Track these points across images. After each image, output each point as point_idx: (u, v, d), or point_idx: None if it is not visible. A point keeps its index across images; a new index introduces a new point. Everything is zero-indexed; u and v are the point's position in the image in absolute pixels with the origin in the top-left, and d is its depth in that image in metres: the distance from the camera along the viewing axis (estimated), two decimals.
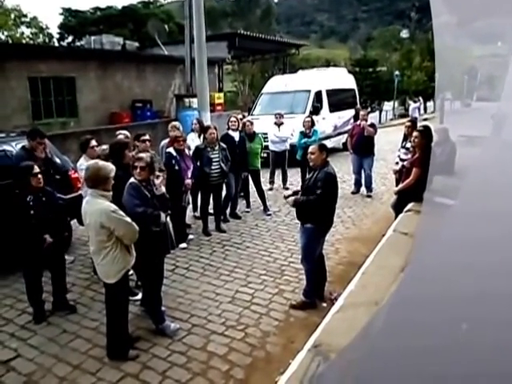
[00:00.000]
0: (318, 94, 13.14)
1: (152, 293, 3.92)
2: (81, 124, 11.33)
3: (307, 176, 4.74)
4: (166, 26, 18.62)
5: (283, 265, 5.47)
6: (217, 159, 6.36)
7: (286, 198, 4.44)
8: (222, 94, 16.89)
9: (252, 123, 7.76)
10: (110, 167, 3.31)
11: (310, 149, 4.42)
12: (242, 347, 3.73)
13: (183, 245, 6.03)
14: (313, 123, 8.97)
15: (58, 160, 5.57)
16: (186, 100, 13.53)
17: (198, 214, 7.30)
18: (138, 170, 3.79)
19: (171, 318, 4.17)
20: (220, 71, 18.03)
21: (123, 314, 3.47)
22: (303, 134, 8.87)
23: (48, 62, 10.37)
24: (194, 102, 13.22)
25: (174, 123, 6.72)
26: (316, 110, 12.67)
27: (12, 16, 29.01)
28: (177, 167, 5.86)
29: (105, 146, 4.82)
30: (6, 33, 28.43)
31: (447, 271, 2.06)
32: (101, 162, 3.35)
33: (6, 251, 4.60)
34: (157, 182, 3.95)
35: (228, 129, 7.25)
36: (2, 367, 3.47)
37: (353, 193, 9.13)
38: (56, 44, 32.40)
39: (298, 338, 3.76)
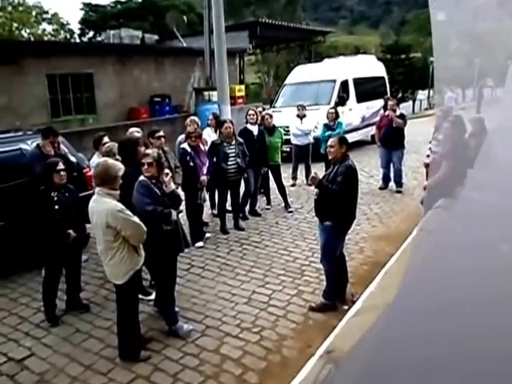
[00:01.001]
0: (344, 84, 12.94)
1: (164, 293, 3.99)
2: (99, 121, 11.61)
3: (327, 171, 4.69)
4: (185, 18, 18.75)
5: (303, 264, 5.44)
6: (233, 154, 6.38)
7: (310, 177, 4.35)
8: (243, 87, 16.92)
9: (271, 116, 7.73)
10: (119, 166, 3.37)
11: (329, 142, 4.37)
12: (257, 351, 3.74)
13: (199, 243, 6.09)
14: (337, 115, 8.85)
15: (72, 158, 5.71)
16: (206, 93, 13.63)
17: (215, 211, 7.36)
18: (146, 167, 3.85)
19: (185, 318, 4.23)
20: (241, 62, 18.05)
21: (133, 314, 3.55)
22: (327, 127, 8.78)
23: (65, 59, 10.67)
24: (214, 95, 13.30)
25: (191, 118, 6.77)
26: (342, 101, 12.50)
27: (33, 13, 29.93)
28: (191, 164, 5.92)
29: (109, 143, 4.92)
30: (27, 30, 29.39)
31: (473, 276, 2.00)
32: (110, 161, 3.42)
33: (23, 250, 4.79)
34: (165, 179, 3.98)
35: (246, 123, 7.26)
36: (16, 366, 3.62)
37: (381, 188, 8.97)
38: (77, 40, 33.27)
39: (315, 342, 3.72)
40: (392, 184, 8.93)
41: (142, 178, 3.87)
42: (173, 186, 4.09)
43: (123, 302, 3.51)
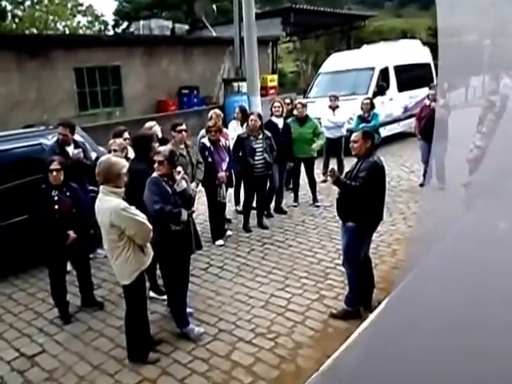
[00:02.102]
0: (384, 72, 12.56)
1: (174, 295, 4.01)
2: (126, 113, 11.88)
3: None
4: (214, 6, 18.80)
5: (328, 267, 5.34)
6: (260, 149, 6.33)
7: (329, 171, 4.22)
8: (275, 77, 16.79)
9: (304, 105, 7.57)
10: (123, 163, 3.40)
11: (353, 137, 4.24)
12: (270, 358, 3.70)
13: (220, 242, 6.11)
14: (372, 106, 8.62)
15: (93, 153, 5.83)
16: (235, 84, 13.63)
17: (240, 208, 7.36)
18: (157, 165, 3.87)
19: (198, 320, 4.26)
20: (274, 51, 17.92)
21: (141, 315, 3.59)
22: (361, 119, 8.58)
23: (93, 52, 10.97)
24: (244, 86, 13.27)
25: (214, 111, 6.75)
26: (381, 90, 12.16)
27: (69, 6, 31.01)
28: (210, 159, 5.92)
29: (118, 141, 4.99)
30: (63, 23, 30.49)
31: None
32: (113, 158, 3.46)
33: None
34: (177, 177, 3.99)
35: (271, 115, 7.18)
36: (27, 362, 3.77)
37: (421, 185, 8.66)
38: (111, 31, 34.16)
39: (334, 352, 3.66)
40: (434, 180, 8.60)
41: (154, 174, 3.90)
42: (184, 184, 4.06)
43: (131, 302, 3.56)
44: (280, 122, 7.09)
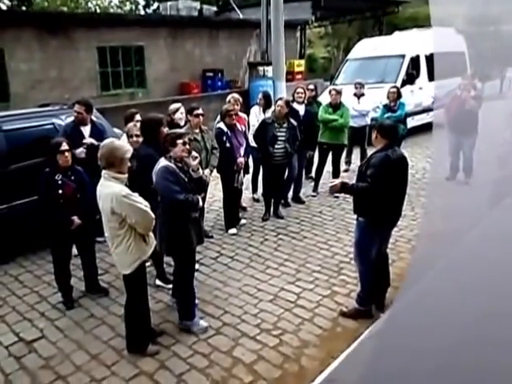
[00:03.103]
0: (415, 60, 12.05)
1: (185, 285, 3.83)
2: (149, 95, 11.75)
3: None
4: None
5: (342, 261, 5.09)
6: (283, 138, 6.06)
7: (329, 188, 4.00)
8: (302, 62, 16.38)
9: (338, 92, 7.25)
10: (126, 148, 3.22)
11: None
12: (273, 357, 3.50)
13: (233, 230, 5.92)
14: (399, 95, 8.18)
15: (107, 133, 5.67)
16: (260, 68, 13.32)
17: (257, 196, 7.15)
18: (182, 147, 3.67)
19: (203, 313, 4.09)
20: (302, 35, 17.43)
21: (141, 306, 3.44)
22: (387, 108, 8.16)
23: (116, 31, 10.83)
24: (269, 70, 12.98)
25: (233, 95, 6.52)
26: (411, 79, 11.68)
27: None
28: (228, 144, 5.70)
29: (130, 124, 4.81)
30: (94, 2, 30.47)
31: None
32: (117, 142, 3.27)
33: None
34: (193, 163, 3.80)
35: (293, 101, 6.88)
36: (25, 347, 3.68)
37: (447, 179, 8.24)
38: (141, 11, 34.00)
39: (340, 353, 3.43)
40: (461, 174, 8.17)
41: (165, 162, 3.64)
42: (201, 171, 3.93)
43: (131, 292, 3.41)
44: (301, 109, 6.81)
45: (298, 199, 7.12)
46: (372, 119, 8.80)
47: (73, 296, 4.28)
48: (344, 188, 3.78)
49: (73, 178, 4.10)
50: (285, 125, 6.03)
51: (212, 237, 5.76)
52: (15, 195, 5.04)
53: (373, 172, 3.66)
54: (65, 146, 4.02)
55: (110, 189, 3.09)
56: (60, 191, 3.98)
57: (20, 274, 4.90)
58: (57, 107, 6.05)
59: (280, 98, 6.32)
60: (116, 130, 6.32)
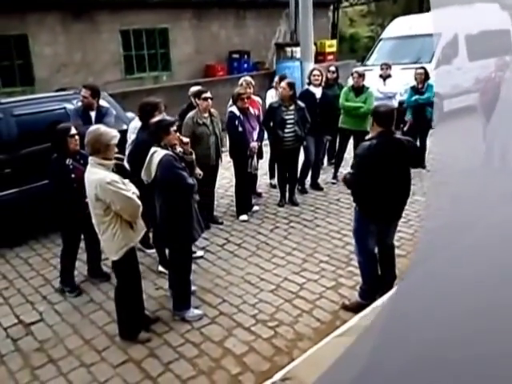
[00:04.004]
0: (453, 38, 11.42)
1: (183, 274, 3.82)
2: (173, 78, 11.75)
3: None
4: None
5: (352, 252, 4.89)
6: (291, 121, 5.92)
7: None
8: (334, 42, 15.90)
9: (361, 75, 6.95)
10: (112, 134, 3.19)
11: None
12: (265, 349, 3.45)
13: (243, 217, 5.86)
14: (427, 76, 7.80)
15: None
16: (288, 49, 13.03)
17: (274, 181, 7.04)
18: (175, 134, 3.66)
19: (200, 300, 4.09)
20: (335, 14, 16.87)
21: (131, 293, 3.44)
22: (414, 90, 7.80)
23: (140, 14, 10.83)
24: (298, 51, 12.69)
25: (245, 78, 6.42)
26: (447, 59, 11.09)
27: None
28: (240, 129, 5.61)
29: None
30: None
31: None
32: (102, 128, 3.24)
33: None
34: (186, 147, 3.79)
35: (309, 83, 6.68)
36: (23, 329, 3.79)
37: (481, 166, 7.80)
38: None
39: None
40: (496, 162, 7.71)
41: (165, 151, 3.58)
42: (193, 155, 3.92)
43: (120, 278, 3.43)
44: (318, 92, 6.58)
45: (316, 186, 6.95)
46: (399, 102, 8.47)
47: (75, 281, 4.35)
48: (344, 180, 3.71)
49: (82, 161, 4.12)
50: (292, 107, 5.87)
51: (222, 223, 5.73)
52: (27, 179, 5.17)
53: (354, 163, 3.56)
54: (74, 131, 4.04)
55: (95, 175, 3.10)
56: (73, 175, 4.01)
57: (30, 256, 5.05)
58: (71, 92, 6.13)
59: (282, 79, 6.15)
60: (129, 115, 6.34)
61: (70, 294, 4.22)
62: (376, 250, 3.97)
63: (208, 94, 5.25)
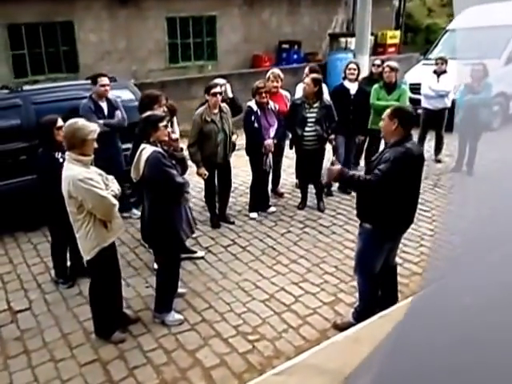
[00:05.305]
0: None
1: (173, 276, 3.80)
2: (219, 68, 11.76)
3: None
4: None
5: None
6: (313, 120, 5.65)
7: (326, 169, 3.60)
8: (397, 33, 15.15)
9: (393, 69, 6.55)
10: (90, 129, 3.17)
11: (384, 114, 3.44)
12: (237, 364, 3.33)
13: (254, 214, 5.81)
14: (485, 73, 7.17)
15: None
16: (342, 40, 12.61)
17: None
18: (164, 130, 3.60)
19: (187, 304, 4.05)
20: (401, 3, 16.01)
21: (105, 294, 3.45)
22: (469, 88, 7.20)
23: (188, 1, 10.90)
24: (353, 42, 12.24)
25: (272, 70, 6.19)
26: None
27: None
28: (256, 125, 5.46)
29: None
30: None
31: None
32: (81, 122, 3.23)
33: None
34: (176, 144, 3.73)
35: (344, 78, 6.36)
36: (9, 317, 3.95)
37: None
38: None
39: None
40: None
41: (153, 148, 3.54)
42: (185, 152, 3.87)
43: (93, 278, 3.45)
44: (353, 88, 6.27)
45: (344, 189, 6.64)
46: (453, 101, 7.87)
47: (67, 272, 4.46)
48: (342, 176, 3.36)
49: None
50: (316, 104, 5.60)
51: (233, 223, 5.64)
52: None
53: (384, 168, 3.17)
54: (60, 123, 4.10)
55: (70, 171, 3.12)
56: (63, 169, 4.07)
57: (39, 243, 5.26)
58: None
59: (312, 71, 5.88)
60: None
61: (62, 286, 4.34)
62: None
63: (217, 89, 5.14)
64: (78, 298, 4.18)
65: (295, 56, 12.60)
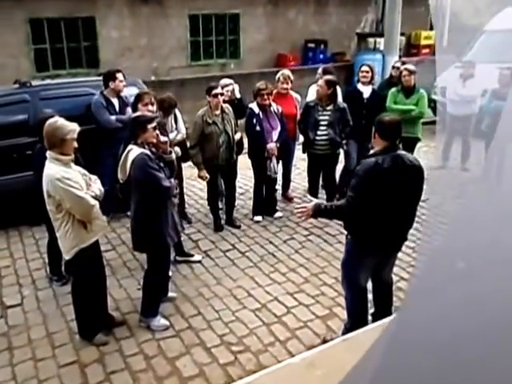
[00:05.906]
0: None
1: (160, 280, 3.80)
2: (242, 66, 11.73)
3: None
4: None
5: None
6: (325, 123, 5.55)
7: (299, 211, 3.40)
8: (432, 33, 14.70)
9: (412, 72, 6.36)
10: (69, 128, 3.18)
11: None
12: (215, 376, 3.29)
13: (258, 218, 5.77)
14: None
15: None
16: (371, 40, 12.34)
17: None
18: (153, 132, 3.61)
19: (175, 309, 4.04)
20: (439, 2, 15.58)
21: (85, 295, 3.46)
22: (496, 94, 6.91)
23: None
24: (382, 43, 12.00)
25: (283, 71, 6.08)
26: None
27: None
28: (258, 128, 5.40)
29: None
30: None
31: None
32: (60, 121, 3.25)
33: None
34: (164, 146, 3.72)
35: (357, 81, 6.22)
36: (0, 311, 4.04)
37: None
38: None
39: None
40: None
41: (141, 150, 3.54)
42: (173, 155, 3.84)
43: (74, 278, 3.48)
44: (366, 91, 6.11)
45: None
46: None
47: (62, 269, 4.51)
48: (318, 212, 3.26)
49: None
50: (329, 107, 5.49)
51: (239, 227, 5.58)
52: None
53: (354, 184, 3.10)
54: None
55: (49, 170, 3.15)
56: None
57: (41, 238, 5.32)
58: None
59: (325, 73, 5.76)
60: None
61: (56, 283, 4.40)
62: (370, 287, 3.59)
63: (218, 90, 5.10)
64: (68, 297, 4.13)
65: (321, 56, 12.43)
